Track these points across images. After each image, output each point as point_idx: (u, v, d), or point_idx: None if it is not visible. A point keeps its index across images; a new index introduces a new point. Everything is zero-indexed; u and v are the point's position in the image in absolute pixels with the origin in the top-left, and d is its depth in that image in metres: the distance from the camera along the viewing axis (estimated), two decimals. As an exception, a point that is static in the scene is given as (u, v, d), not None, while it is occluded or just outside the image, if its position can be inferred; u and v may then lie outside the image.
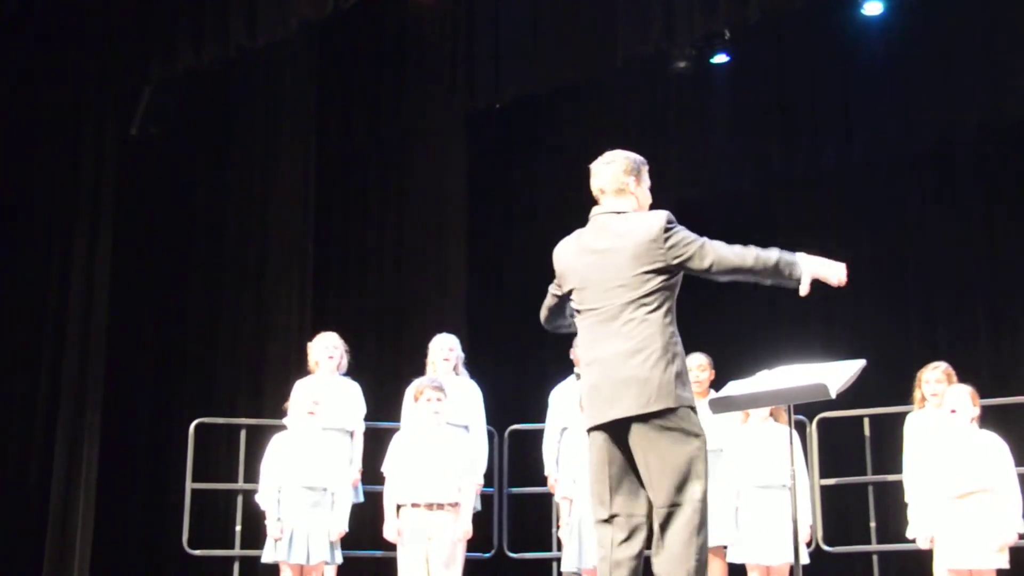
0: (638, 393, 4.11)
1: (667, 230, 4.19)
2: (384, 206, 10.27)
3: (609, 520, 4.25)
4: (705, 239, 4.22)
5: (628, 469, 4.21)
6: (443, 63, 9.24)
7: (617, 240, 4.27)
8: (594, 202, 4.54)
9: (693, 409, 4.18)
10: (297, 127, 9.55)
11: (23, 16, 8.38)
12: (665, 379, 4.10)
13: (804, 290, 4.20)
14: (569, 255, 4.43)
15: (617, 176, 4.43)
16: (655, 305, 4.17)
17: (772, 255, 4.19)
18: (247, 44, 8.11)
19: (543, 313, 4.65)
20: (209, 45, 8.19)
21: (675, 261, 4.18)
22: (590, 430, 4.29)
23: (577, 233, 4.47)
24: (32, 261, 8.54)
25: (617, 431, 4.19)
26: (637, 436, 4.14)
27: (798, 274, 4.17)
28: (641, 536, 4.19)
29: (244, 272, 9.46)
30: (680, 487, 4.09)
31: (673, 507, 4.09)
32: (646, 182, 4.48)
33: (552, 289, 4.54)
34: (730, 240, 4.29)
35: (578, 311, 4.37)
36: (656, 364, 4.11)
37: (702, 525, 4.10)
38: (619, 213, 4.37)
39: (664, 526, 4.11)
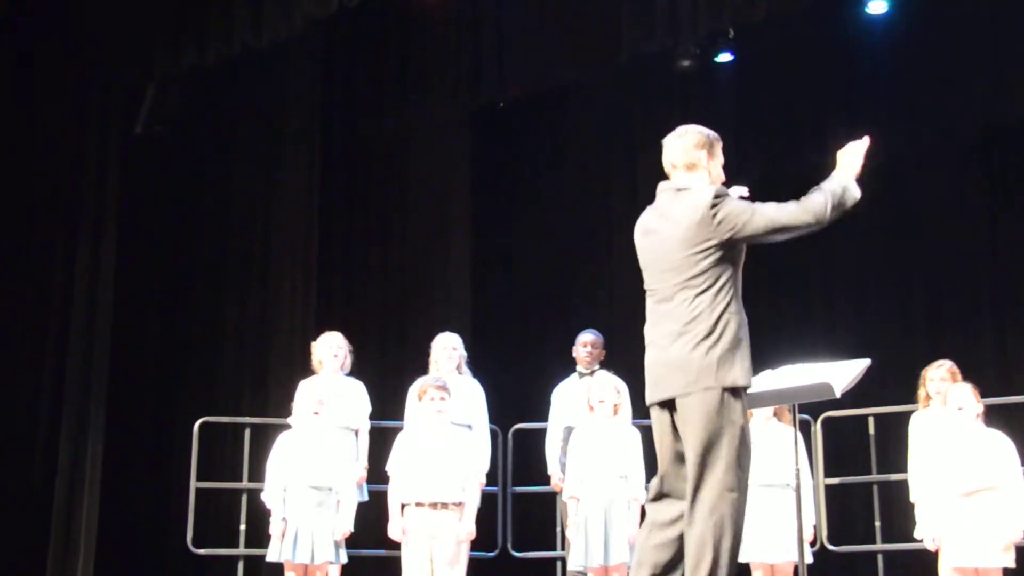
0: (680, 375, 4.10)
1: (714, 206, 4.14)
2: (388, 204, 10.26)
3: (657, 499, 4.23)
4: (756, 205, 4.17)
5: (678, 449, 4.18)
6: (447, 61, 9.23)
7: (668, 222, 4.24)
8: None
9: (737, 392, 4.08)
10: (301, 125, 9.55)
11: (27, 14, 8.37)
12: (706, 361, 4.06)
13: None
14: (637, 234, 4.41)
15: (688, 150, 4.36)
16: (706, 285, 4.12)
17: (820, 200, 4.16)
18: (252, 42, 8.11)
19: None
20: (214, 43, 8.20)
21: (727, 235, 4.13)
22: (649, 407, 4.30)
23: (647, 209, 4.42)
24: (37, 258, 8.54)
25: (668, 410, 4.19)
26: (679, 417, 4.13)
27: (851, 198, 4.19)
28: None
29: (248, 270, 9.46)
30: (708, 472, 4.02)
31: (699, 491, 4.03)
32: (719, 158, 4.42)
33: None
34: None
35: (645, 290, 4.35)
36: (698, 346, 4.08)
37: (733, 514, 4.00)
38: (680, 190, 4.30)
39: (692, 510, 4.05)
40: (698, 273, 4.14)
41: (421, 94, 9.46)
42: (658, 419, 4.26)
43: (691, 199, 4.22)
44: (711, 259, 4.13)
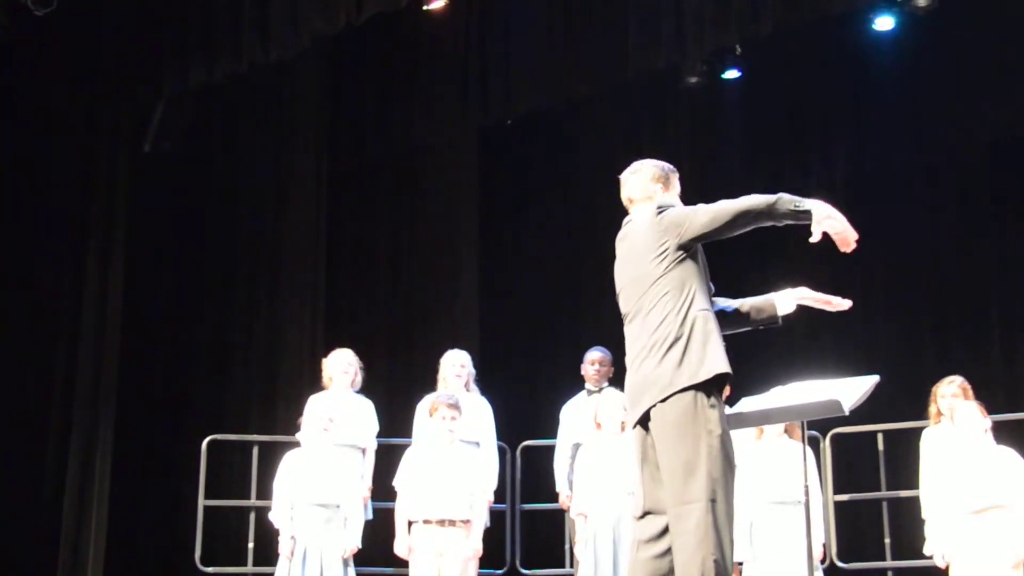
0: (653, 387, 4.11)
1: (660, 211, 4.26)
2: (396, 221, 10.28)
3: (642, 517, 4.21)
4: (699, 205, 4.24)
5: (658, 464, 4.15)
6: (455, 78, 9.26)
7: (629, 243, 4.36)
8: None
9: (712, 394, 4.05)
10: (309, 142, 9.57)
11: (37, 33, 8.40)
12: (677, 366, 4.08)
13: (816, 236, 4.13)
14: (615, 272, 4.48)
15: (644, 184, 4.47)
16: (669, 287, 4.17)
17: (775, 194, 4.16)
18: (260, 60, 8.13)
19: None
20: (222, 61, 8.22)
21: (680, 237, 4.20)
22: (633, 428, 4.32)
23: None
24: (46, 276, 8.55)
25: (647, 427, 4.18)
26: (653, 430, 4.13)
27: (806, 206, 4.10)
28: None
29: (256, 288, 9.47)
30: (687, 486, 3.97)
31: (681, 508, 3.97)
32: (676, 188, 4.52)
33: None
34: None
35: (623, 318, 4.39)
36: (667, 355, 4.10)
37: (716, 528, 3.91)
38: (633, 220, 4.43)
39: (674, 530, 4.00)
40: (660, 276, 4.19)
41: (428, 111, 9.49)
42: (639, 436, 4.23)
43: (641, 219, 4.35)
44: (669, 261, 4.19)
